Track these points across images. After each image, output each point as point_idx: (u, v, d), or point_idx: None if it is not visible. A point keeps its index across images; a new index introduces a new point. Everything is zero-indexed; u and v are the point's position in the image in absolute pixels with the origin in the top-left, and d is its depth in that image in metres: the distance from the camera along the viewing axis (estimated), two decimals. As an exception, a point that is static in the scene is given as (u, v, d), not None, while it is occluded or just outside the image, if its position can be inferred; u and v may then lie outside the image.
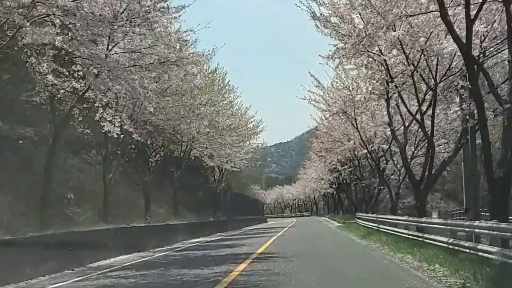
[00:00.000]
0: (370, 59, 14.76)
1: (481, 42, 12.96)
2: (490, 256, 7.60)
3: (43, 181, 13.71)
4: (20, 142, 17.06)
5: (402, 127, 18.07)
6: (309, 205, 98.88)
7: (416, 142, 20.59)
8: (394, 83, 14.15)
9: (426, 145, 21.61)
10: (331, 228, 30.99)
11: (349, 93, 20.03)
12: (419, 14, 11.15)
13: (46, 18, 10.98)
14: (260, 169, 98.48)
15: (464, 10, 9.59)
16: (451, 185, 50.99)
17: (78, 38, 12.19)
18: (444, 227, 9.94)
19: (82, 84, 14.04)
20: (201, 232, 26.42)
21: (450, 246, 9.43)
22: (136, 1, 11.69)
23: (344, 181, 44.85)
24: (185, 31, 14.80)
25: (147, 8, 11.57)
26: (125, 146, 19.71)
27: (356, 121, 21.11)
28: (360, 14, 12.77)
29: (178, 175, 26.41)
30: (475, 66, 10.37)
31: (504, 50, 12.34)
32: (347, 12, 12.63)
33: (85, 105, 18.48)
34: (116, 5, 12.05)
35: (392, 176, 25.38)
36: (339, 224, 35.04)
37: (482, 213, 14.76)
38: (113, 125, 15.50)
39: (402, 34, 12.41)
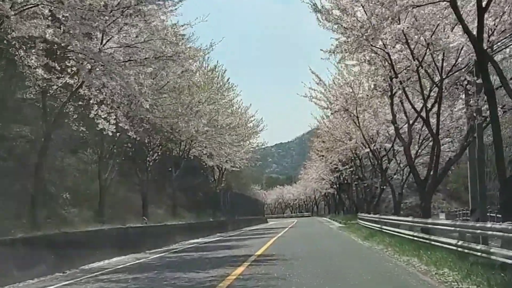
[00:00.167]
0: (373, 54, 14.26)
1: (489, 36, 12.44)
2: (505, 260, 7.08)
3: (33, 180, 13.21)
4: (19, 141, 16.63)
5: (406, 125, 17.60)
6: (310, 205, 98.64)
7: (420, 141, 20.04)
8: (399, 79, 13.63)
9: (430, 144, 21.17)
10: (332, 229, 30.50)
11: (351, 90, 19.51)
12: (426, 4, 10.63)
13: (34, 8, 10.47)
14: (261, 169, 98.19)
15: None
16: (453, 185, 50.46)
17: (71, 31, 11.73)
18: (452, 228, 9.41)
19: (76, 80, 13.56)
20: (200, 233, 25.96)
21: (460, 249, 8.89)
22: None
23: (345, 181, 44.52)
24: (182, 25, 14.26)
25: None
26: (122, 144, 19.24)
27: (358, 119, 20.60)
28: (363, 7, 12.29)
29: (177, 174, 25.92)
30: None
31: (512, 44, 11.86)
32: (349, 4, 12.14)
33: (80, 103, 18.07)
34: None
35: (395, 176, 24.85)
36: (340, 225, 34.59)
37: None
38: (108, 123, 15.04)
39: (407, 27, 11.90)
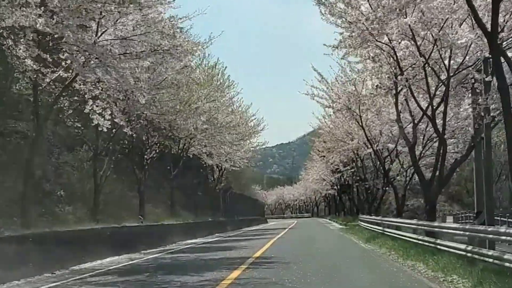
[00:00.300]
0: (378, 51, 13.76)
1: (498, 33, 11.94)
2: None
3: (23, 176, 12.73)
4: (14, 137, 16.16)
5: (410, 124, 17.08)
6: (310, 206, 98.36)
7: (424, 141, 19.54)
8: (405, 76, 13.12)
9: (434, 145, 20.67)
10: (333, 231, 30.02)
11: (354, 88, 18.99)
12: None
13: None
14: (262, 170, 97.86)
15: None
16: (455, 187, 50.02)
17: (64, 22, 11.25)
18: (461, 232, 8.89)
19: (70, 74, 13.09)
20: (198, 233, 25.48)
21: (469, 254, 8.37)
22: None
23: (346, 182, 44.12)
24: (180, 18, 13.77)
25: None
26: (118, 141, 18.77)
27: (361, 118, 20.08)
28: (368, 0, 11.80)
29: (176, 173, 25.41)
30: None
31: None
32: (354, -4, 11.64)
33: (76, 98, 17.60)
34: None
35: (397, 177, 24.33)
36: (341, 226, 34.14)
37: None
38: (103, 118, 14.58)
39: (414, 22, 11.39)
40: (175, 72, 16.94)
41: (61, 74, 12.88)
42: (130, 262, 12.83)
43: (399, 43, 13.39)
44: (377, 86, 16.44)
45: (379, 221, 19.65)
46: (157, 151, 22.11)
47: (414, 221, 13.67)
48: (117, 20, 12.80)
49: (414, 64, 13.71)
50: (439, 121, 13.84)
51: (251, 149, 35.84)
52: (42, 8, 10.63)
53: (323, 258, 12.35)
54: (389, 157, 23.23)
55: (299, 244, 18.11)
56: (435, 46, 12.41)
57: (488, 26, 8.60)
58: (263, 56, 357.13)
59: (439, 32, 11.86)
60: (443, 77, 13.47)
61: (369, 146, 21.89)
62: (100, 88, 14.98)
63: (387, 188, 24.52)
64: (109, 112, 14.80)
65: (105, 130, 14.88)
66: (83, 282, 9.08)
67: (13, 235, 10.84)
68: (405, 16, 11.55)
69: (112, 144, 18.05)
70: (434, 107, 13.31)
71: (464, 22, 12.55)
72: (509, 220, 26.17)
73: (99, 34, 12.56)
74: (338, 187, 49.04)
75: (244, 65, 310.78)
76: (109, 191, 19.83)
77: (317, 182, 56.52)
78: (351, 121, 22.10)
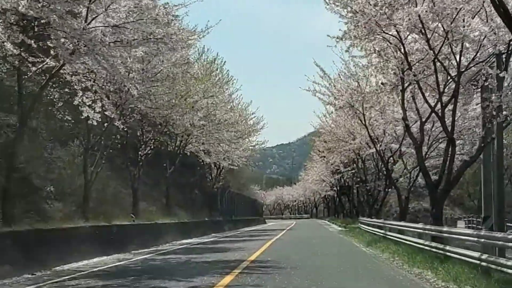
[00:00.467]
0: (384, 44, 12.97)
1: None
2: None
3: (5, 171, 11.96)
4: (4, 130, 15.42)
5: (415, 124, 16.31)
6: (309, 207, 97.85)
7: (429, 142, 18.76)
8: (413, 71, 12.34)
9: (439, 145, 19.92)
10: (332, 233, 29.27)
11: (357, 84, 18.17)
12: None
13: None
14: (261, 170, 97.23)
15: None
16: (456, 190, 49.24)
17: (51, 6, 10.50)
18: (475, 239, 8.11)
19: (58, 63, 12.33)
20: (194, 233, 24.79)
21: (484, 263, 7.58)
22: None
23: (346, 184, 43.41)
24: (176, 5, 13.01)
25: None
26: (110, 136, 17.99)
27: (364, 117, 19.25)
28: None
29: (172, 171, 24.63)
30: None
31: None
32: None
33: (67, 90, 16.85)
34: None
35: (400, 179, 23.55)
36: (340, 228, 33.42)
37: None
38: (93, 111, 13.87)
39: (425, 11, 10.62)
40: (171, 64, 16.18)
41: (48, 63, 12.17)
42: (117, 264, 12.07)
43: (407, 36, 12.64)
44: (382, 84, 15.69)
45: (380, 224, 18.86)
46: (152, 147, 21.35)
47: (420, 225, 12.87)
48: (108, 6, 12.08)
49: (422, 59, 12.95)
50: (447, 120, 13.08)
51: (250, 147, 35.18)
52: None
53: (323, 263, 11.58)
54: (392, 158, 22.45)
55: (297, 247, 17.35)
56: (446, 39, 11.62)
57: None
58: (263, 56, 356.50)
59: (451, 23, 11.09)
60: (453, 73, 12.70)
61: (372, 146, 21.09)
62: (92, 79, 14.26)
63: (389, 190, 23.72)
64: (100, 105, 14.10)
65: (95, 123, 14.17)
66: (61, 286, 8.33)
67: (-11, 234, 10.12)
68: (415, 5, 10.78)
69: (104, 139, 17.27)
70: (444, 104, 12.52)
71: (476, 16, 11.80)
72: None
73: (89, 20, 11.81)
74: (338, 188, 48.34)
75: (244, 65, 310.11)
76: (102, 187, 19.08)
77: (317, 183, 55.91)
78: (354, 119, 21.28)
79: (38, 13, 10.39)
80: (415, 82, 12.81)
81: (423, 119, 13.93)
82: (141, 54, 13.28)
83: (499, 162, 11.99)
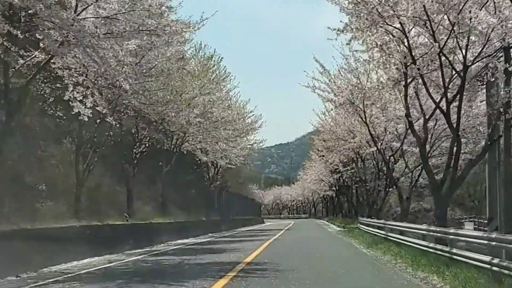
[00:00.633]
0: (386, 38, 12.46)
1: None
2: None
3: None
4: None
5: (418, 121, 15.79)
6: (308, 207, 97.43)
7: (432, 140, 18.22)
8: (417, 66, 11.82)
9: (442, 144, 19.41)
10: (331, 233, 28.77)
11: (358, 81, 17.64)
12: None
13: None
14: (260, 169, 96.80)
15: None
16: (457, 191, 48.76)
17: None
18: (486, 242, 7.59)
19: (47, 56, 11.81)
20: (191, 233, 24.30)
21: (496, 268, 7.07)
22: None
23: (345, 183, 42.85)
24: (170, -4, 12.47)
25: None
26: (103, 133, 17.44)
27: (365, 114, 18.72)
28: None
29: (168, 169, 24.07)
30: None
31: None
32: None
33: (58, 85, 16.31)
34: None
35: (401, 179, 23.02)
36: (339, 229, 32.93)
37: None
38: (84, 106, 13.34)
39: (432, 1, 10.12)
40: (165, 59, 15.65)
41: (37, 56, 11.66)
42: (107, 265, 11.56)
43: (411, 29, 12.15)
44: (382, 80, 15.18)
45: (381, 225, 18.34)
46: (148, 145, 20.81)
47: (424, 226, 12.35)
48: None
49: (426, 53, 12.45)
50: (452, 117, 12.58)
51: (248, 146, 34.61)
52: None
53: (322, 265, 11.07)
54: (393, 156, 21.92)
55: (295, 248, 16.85)
56: (452, 32, 11.11)
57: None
58: (262, 55, 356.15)
59: (457, 15, 10.58)
60: (458, 68, 12.19)
61: (372, 144, 20.58)
62: (83, 74, 13.75)
63: (390, 190, 23.20)
64: (91, 100, 13.58)
65: (86, 119, 13.65)
66: (42, 290, 7.82)
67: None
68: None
69: (97, 136, 16.73)
70: (450, 100, 12.02)
71: (483, 8, 11.30)
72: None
73: (79, 10, 11.29)
74: (337, 188, 47.83)
75: (243, 64, 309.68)
76: (95, 186, 18.55)
77: (316, 183, 55.37)
78: (354, 117, 20.74)
79: (24, 1, 9.88)
80: (419, 77, 12.28)
81: (427, 116, 13.41)
82: (133, 47, 12.73)
83: (506, 162, 11.49)
